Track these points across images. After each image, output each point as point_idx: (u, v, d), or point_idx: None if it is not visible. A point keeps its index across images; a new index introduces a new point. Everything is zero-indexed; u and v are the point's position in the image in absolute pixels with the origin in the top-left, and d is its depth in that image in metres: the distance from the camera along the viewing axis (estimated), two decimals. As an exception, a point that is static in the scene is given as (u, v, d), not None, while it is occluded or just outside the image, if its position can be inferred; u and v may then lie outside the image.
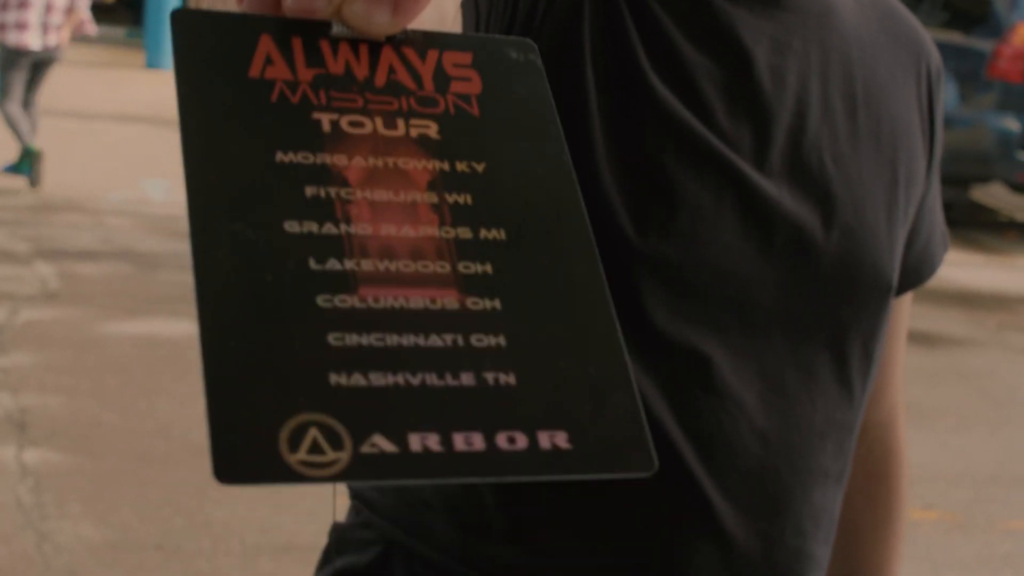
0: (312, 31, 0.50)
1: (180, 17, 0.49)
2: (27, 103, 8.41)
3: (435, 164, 0.49)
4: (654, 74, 1.12)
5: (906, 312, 1.38)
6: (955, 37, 10.37)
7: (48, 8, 8.23)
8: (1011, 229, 10.71)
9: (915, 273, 1.34)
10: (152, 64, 13.99)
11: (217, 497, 4.11)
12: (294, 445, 0.41)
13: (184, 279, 6.36)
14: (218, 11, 0.50)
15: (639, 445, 0.45)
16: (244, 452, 0.40)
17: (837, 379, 1.20)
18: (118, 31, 15.39)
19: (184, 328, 5.63)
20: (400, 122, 0.50)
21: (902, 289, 1.33)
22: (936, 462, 5.21)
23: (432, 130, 0.50)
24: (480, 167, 0.50)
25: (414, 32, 0.52)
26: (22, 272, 6.24)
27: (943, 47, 9.12)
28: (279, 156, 0.47)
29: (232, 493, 4.13)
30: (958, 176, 9.99)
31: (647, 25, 1.13)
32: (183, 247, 6.93)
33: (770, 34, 1.17)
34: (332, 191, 0.47)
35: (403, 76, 0.51)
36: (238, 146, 0.47)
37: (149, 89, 12.37)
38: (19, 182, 8.21)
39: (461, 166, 0.49)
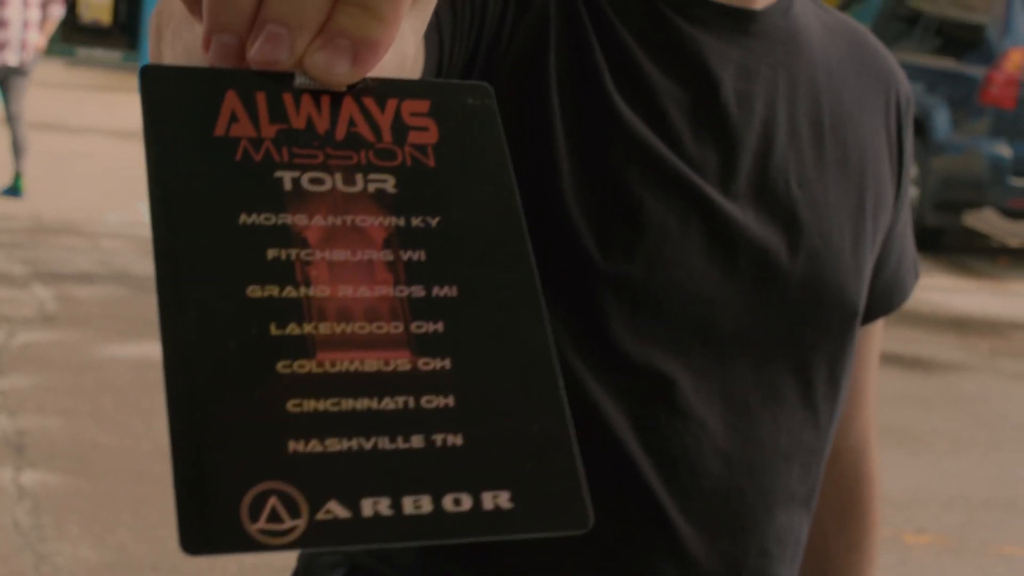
0: (276, 84, 0.51)
1: (149, 73, 0.50)
2: (13, 117, 8.56)
3: (391, 220, 0.50)
4: (620, 98, 1.12)
5: (878, 338, 1.39)
6: (947, 63, 10.42)
7: (25, 25, 8.49)
8: (1003, 255, 10.74)
9: (886, 300, 1.35)
10: (148, 88, 13.97)
11: (214, 519, 4.12)
12: (254, 514, 0.42)
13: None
14: (186, 66, 0.51)
15: (577, 503, 0.47)
16: (208, 523, 0.42)
17: (802, 402, 1.20)
18: (114, 55, 15.43)
19: (181, 351, 5.65)
20: (359, 177, 0.51)
21: (873, 316, 1.34)
22: (929, 486, 5.23)
23: (389, 184, 0.51)
24: (434, 221, 0.51)
25: (374, 80, 0.53)
26: (19, 295, 6.26)
27: (935, 73, 9.09)
28: (242, 218, 0.48)
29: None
30: (951, 202, 10.02)
31: (613, 49, 1.14)
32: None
33: (737, 60, 1.18)
34: (292, 253, 0.48)
35: (362, 128, 0.52)
36: (203, 209, 0.48)
37: (145, 112, 12.36)
38: (18, 206, 8.24)
39: (416, 221, 0.51)
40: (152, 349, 5.64)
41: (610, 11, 1.15)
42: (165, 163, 0.48)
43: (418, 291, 0.49)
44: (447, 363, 0.48)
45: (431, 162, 0.52)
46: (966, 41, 10.46)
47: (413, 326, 0.48)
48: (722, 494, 1.15)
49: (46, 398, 4.97)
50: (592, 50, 1.13)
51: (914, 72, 10.49)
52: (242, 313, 0.46)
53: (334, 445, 0.44)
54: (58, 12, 8.88)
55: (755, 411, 1.17)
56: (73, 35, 15.73)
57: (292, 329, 0.46)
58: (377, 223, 0.50)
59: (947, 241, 10.32)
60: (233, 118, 0.50)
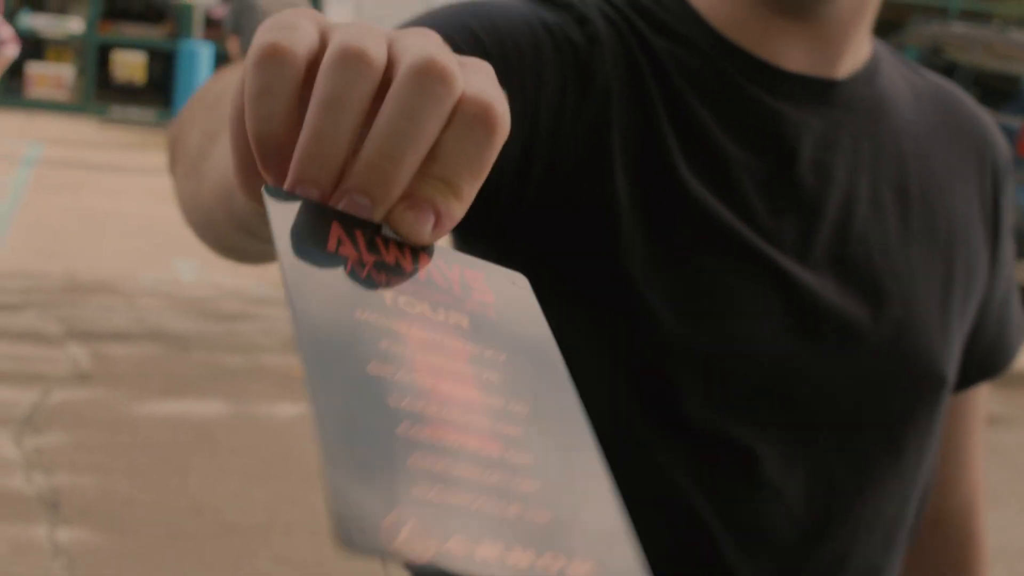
0: (368, 227, 0.59)
1: (271, 191, 0.58)
2: None
3: (470, 347, 0.58)
4: (690, 171, 1.11)
5: (982, 401, 1.37)
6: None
7: None
8: (1041, 306, 10.67)
9: (989, 364, 1.33)
10: (182, 146, 14.05)
11: (248, 574, 4.11)
12: (392, 533, 0.48)
13: (215, 359, 6.38)
14: (298, 195, 0.58)
15: None
16: (361, 528, 0.47)
17: (892, 473, 1.19)
18: (148, 113, 15.54)
19: (215, 408, 5.65)
20: (441, 310, 0.59)
21: (976, 380, 1.32)
22: (970, 540, 5.17)
23: (464, 322, 0.59)
24: (502, 357, 0.59)
25: (441, 248, 0.62)
26: (54, 353, 6.27)
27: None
28: (358, 314, 0.55)
29: (261, 570, 4.13)
30: (987, 253, 9.96)
31: (685, 122, 1.13)
32: (214, 327, 6.97)
33: (816, 129, 1.16)
34: (399, 349, 0.55)
35: (438, 277, 0.60)
36: (328, 299, 0.55)
37: (179, 171, 12.41)
38: (52, 265, 8.28)
39: (488, 352, 0.59)
40: (187, 407, 5.64)
41: (683, 84, 1.14)
42: (292, 262, 0.56)
43: (498, 402, 0.56)
44: (528, 459, 0.54)
45: (492, 314, 0.61)
46: (1003, 92, 10.44)
47: (499, 426, 0.55)
48: (799, 565, 1.15)
49: (80, 456, 4.97)
50: (660, 124, 1.12)
51: (948, 124, 10.46)
52: (363, 383, 0.53)
53: (450, 498, 0.50)
54: (11, 52, 8.85)
55: (839, 482, 1.16)
56: (107, 94, 15.84)
57: (406, 404, 0.53)
58: (459, 346, 0.58)
59: (983, 293, 10.26)
60: (339, 241, 0.58)
